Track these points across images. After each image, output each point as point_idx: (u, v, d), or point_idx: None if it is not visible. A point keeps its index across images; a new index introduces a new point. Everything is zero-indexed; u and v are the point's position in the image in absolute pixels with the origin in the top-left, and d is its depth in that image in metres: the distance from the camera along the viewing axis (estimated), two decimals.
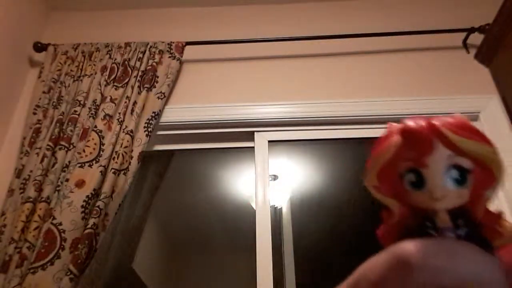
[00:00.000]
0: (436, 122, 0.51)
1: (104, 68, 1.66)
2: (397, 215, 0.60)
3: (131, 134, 1.49)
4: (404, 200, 0.59)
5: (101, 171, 1.39)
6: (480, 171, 0.50)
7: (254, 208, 1.57)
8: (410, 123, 0.53)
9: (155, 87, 1.63)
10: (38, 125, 1.53)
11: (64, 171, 1.42)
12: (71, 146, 1.47)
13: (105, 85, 1.62)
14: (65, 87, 1.63)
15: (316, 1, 2.01)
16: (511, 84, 1.58)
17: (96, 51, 1.73)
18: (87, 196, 1.34)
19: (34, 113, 1.57)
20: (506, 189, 1.49)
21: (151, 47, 1.72)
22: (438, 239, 0.50)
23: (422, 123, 0.52)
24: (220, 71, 1.82)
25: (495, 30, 1.60)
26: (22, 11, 1.80)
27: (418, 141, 0.51)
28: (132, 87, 1.61)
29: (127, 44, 1.73)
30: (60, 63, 1.69)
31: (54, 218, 1.29)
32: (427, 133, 0.51)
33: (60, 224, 1.28)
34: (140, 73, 1.64)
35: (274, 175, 2.14)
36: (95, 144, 1.46)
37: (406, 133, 0.54)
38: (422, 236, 0.51)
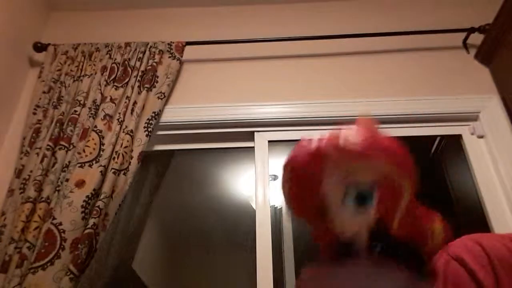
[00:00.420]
0: (325, 147, 0.46)
1: (104, 68, 1.66)
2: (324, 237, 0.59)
3: (131, 134, 1.49)
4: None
5: (101, 171, 1.39)
6: (385, 185, 0.46)
7: (254, 208, 1.57)
8: (295, 155, 0.49)
9: (155, 87, 1.63)
10: (38, 125, 1.53)
11: (64, 171, 1.42)
12: (71, 146, 1.47)
13: (105, 85, 1.62)
14: (65, 87, 1.63)
15: (316, 1, 2.01)
16: (511, 84, 1.58)
17: (96, 51, 1.73)
18: (87, 196, 1.34)
19: (34, 113, 1.57)
20: (506, 189, 1.49)
21: (151, 47, 1.72)
22: (329, 266, 0.48)
23: (307, 160, 0.47)
24: (220, 71, 1.82)
25: (495, 30, 1.60)
26: (22, 11, 1.80)
27: (305, 176, 0.48)
28: (132, 87, 1.61)
29: (127, 44, 1.73)
30: (60, 63, 1.69)
31: (54, 218, 1.29)
32: (308, 175, 0.47)
33: (60, 224, 1.28)
34: (140, 73, 1.64)
35: (274, 175, 2.14)
36: (95, 144, 1.46)
37: (291, 168, 0.51)
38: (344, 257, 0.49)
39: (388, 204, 0.47)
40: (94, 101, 1.57)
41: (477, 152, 1.62)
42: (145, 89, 1.59)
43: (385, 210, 0.47)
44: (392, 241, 0.49)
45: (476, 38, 1.73)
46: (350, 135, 0.48)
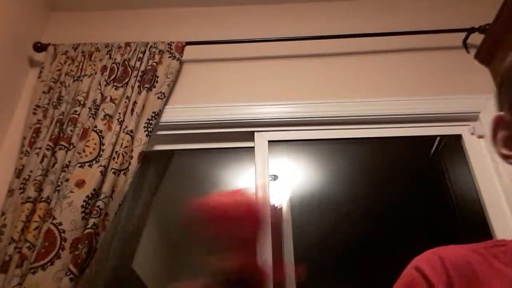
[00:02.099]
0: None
1: (104, 68, 1.66)
2: None
3: (131, 134, 1.49)
4: None
5: (101, 171, 1.39)
6: None
7: None
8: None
9: (155, 87, 1.63)
10: (38, 125, 1.53)
11: (64, 171, 1.42)
12: (71, 146, 1.47)
13: (105, 85, 1.62)
14: (65, 87, 1.63)
15: (316, 1, 2.01)
16: None
17: (96, 51, 1.73)
18: (87, 196, 1.34)
19: (34, 113, 1.57)
20: (506, 189, 1.49)
21: (151, 47, 1.72)
22: None
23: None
24: (220, 71, 1.82)
25: (495, 30, 1.60)
26: (22, 11, 1.80)
27: None
28: (132, 87, 1.61)
29: (127, 44, 1.73)
30: (60, 63, 1.69)
31: (54, 218, 1.29)
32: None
33: (60, 224, 1.28)
34: (140, 73, 1.64)
35: (274, 175, 2.14)
36: (95, 144, 1.46)
37: None
38: None
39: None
40: (94, 101, 1.57)
41: (477, 152, 1.62)
42: (145, 89, 1.59)
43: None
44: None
45: (476, 38, 1.73)
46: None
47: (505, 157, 0.57)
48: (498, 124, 0.58)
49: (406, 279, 0.66)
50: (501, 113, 0.58)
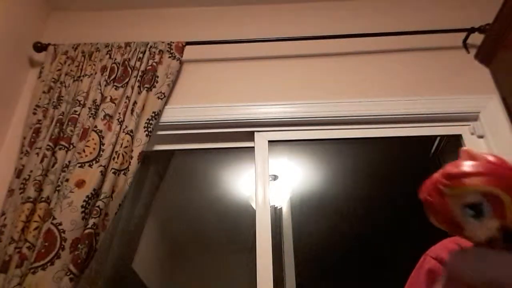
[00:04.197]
0: (433, 184, 0.62)
1: (104, 68, 1.66)
2: None
3: (131, 134, 1.49)
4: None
5: (101, 171, 1.38)
6: (491, 199, 0.58)
7: (254, 208, 1.57)
8: (423, 194, 0.64)
9: (155, 87, 1.63)
10: (38, 125, 1.53)
11: (64, 171, 1.42)
12: (71, 146, 1.47)
13: (105, 85, 1.62)
14: (65, 87, 1.63)
15: (316, 1, 2.01)
16: (511, 84, 1.58)
17: (96, 51, 1.73)
18: (87, 196, 1.34)
19: (34, 113, 1.57)
20: None
21: (151, 47, 1.72)
22: (476, 249, 0.62)
23: (428, 188, 0.63)
24: (220, 71, 1.82)
25: (495, 30, 1.60)
26: (22, 11, 1.80)
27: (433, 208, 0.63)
28: (132, 87, 1.61)
29: (127, 44, 1.73)
30: (60, 63, 1.69)
31: (54, 218, 1.29)
32: (433, 199, 0.61)
33: (60, 224, 1.28)
34: (140, 73, 1.64)
35: (274, 175, 2.14)
36: (95, 144, 1.46)
37: (422, 199, 0.65)
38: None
39: (500, 211, 0.59)
40: (94, 101, 1.57)
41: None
42: (145, 89, 1.59)
43: (501, 216, 0.59)
44: None
45: (476, 38, 1.73)
46: (453, 165, 0.63)
47: None
48: None
49: (426, 268, 0.67)
50: None
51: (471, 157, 0.63)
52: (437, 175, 0.65)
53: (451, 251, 0.64)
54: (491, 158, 0.62)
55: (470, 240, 0.64)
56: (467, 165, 0.60)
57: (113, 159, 1.43)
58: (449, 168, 0.63)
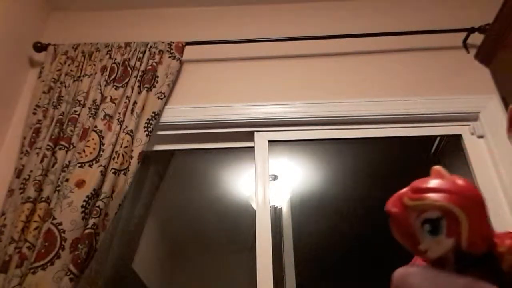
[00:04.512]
0: (399, 196, 0.64)
1: (104, 68, 1.66)
2: None
3: (131, 134, 1.49)
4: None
5: (101, 171, 1.39)
6: (448, 217, 0.59)
7: (254, 208, 1.57)
8: (388, 206, 0.67)
9: (155, 87, 1.63)
10: (38, 125, 1.53)
11: (64, 171, 1.42)
12: (71, 146, 1.47)
13: (105, 85, 1.62)
14: (65, 87, 1.63)
15: (316, 1, 2.01)
16: (511, 84, 1.58)
17: (96, 51, 1.73)
18: (87, 196, 1.34)
19: (34, 113, 1.57)
20: (506, 189, 1.49)
21: (151, 47, 1.72)
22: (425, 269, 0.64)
23: (393, 200, 0.65)
24: (220, 71, 1.82)
25: (495, 30, 1.60)
26: (22, 11, 1.80)
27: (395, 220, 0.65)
28: (132, 87, 1.61)
29: (127, 44, 1.73)
30: (60, 63, 1.69)
31: (54, 218, 1.29)
32: (397, 211, 0.63)
33: (60, 224, 1.28)
34: (140, 73, 1.64)
35: (274, 175, 2.14)
36: (95, 144, 1.46)
37: (386, 212, 0.68)
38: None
39: (455, 231, 0.61)
40: (94, 101, 1.57)
41: (477, 152, 1.62)
42: (145, 89, 1.59)
43: (456, 236, 0.61)
44: (474, 259, 0.62)
45: (476, 38, 1.73)
46: (421, 181, 0.65)
47: None
48: None
49: (392, 278, 0.70)
50: None
51: (441, 176, 0.65)
52: (404, 189, 0.68)
53: (399, 269, 0.66)
54: (458, 181, 0.64)
55: (423, 256, 0.66)
56: (433, 182, 0.62)
57: (113, 159, 1.43)
58: (417, 182, 0.66)
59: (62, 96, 1.60)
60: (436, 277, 0.62)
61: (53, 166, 1.42)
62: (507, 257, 0.61)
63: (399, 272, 0.66)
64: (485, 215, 0.64)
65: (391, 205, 0.66)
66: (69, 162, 1.44)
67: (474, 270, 0.61)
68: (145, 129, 1.53)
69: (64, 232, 1.27)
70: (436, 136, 1.78)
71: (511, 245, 0.61)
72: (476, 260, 0.62)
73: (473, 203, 0.61)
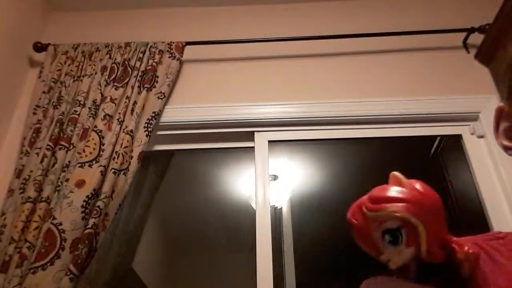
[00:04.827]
0: (359, 206, 0.64)
1: (104, 68, 1.66)
2: None
3: (131, 134, 1.49)
4: None
5: (101, 171, 1.39)
6: (407, 227, 0.60)
7: (254, 208, 1.57)
8: (349, 216, 0.66)
9: (155, 87, 1.63)
10: (38, 125, 1.53)
11: (64, 171, 1.42)
12: (71, 146, 1.47)
13: (105, 85, 1.62)
14: (65, 87, 1.63)
15: (316, 1, 2.01)
16: None
17: (96, 51, 1.73)
18: (87, 196, 1.34)
19: (34, 113, 1.57)
20: (506, 189, 1.49)
21: (151, 47, 1.72)
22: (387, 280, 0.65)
23: (353, 209, 0.65)
24: (220, 71, 1.82)
25: (495, 30, 1.60)
26: (22, 11, 1.80)
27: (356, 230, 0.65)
28: (132, 87, 1.61)
29: (127, 44, 1.73)
30: (60, 63, 1.69)
31: (54, 218, 1.29)
32: (357, 221, 0.64)
33: (60, 224, 1.28)
34: (140, 73, 1.64)
35: (274, 175, 2.14)
36: (95, 144, 1.46)
37: (347, 220, 0.68)
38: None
39: (414, 240, 0.61)
40: (94, 101, 1.57)
41: (477, 152, 1.62)
42: (145, 89, 1.59)
43: (415, 245, 0.61)
44: (434, 268, 0.62)
45: (476, 38, 1.73)
46: (379, 189, 0.65)
47: (507, 149, 0.56)
48: (499, 115, 0.57)
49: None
50: (501, 104, 0.57)
51: (399, 183, 0.65)
52: (364, 197, 0.68)
53: (367, 280, 0.67)
54: (417, 186, 0.64)
55: (387, 265, 0.66)
56: (391, 190, 0.61)
57: (113, 159, 1.43)
58: (375, 191, 0.66)
59: (62, 96, 1.60)
60: (397, 287, 0.63)
61: (53, 166, 1.42)
62: (465, 264, 0.61)
63: (364, 283, 0.67)
64: (443, 222, 0.64)
65: (351, 215, 0.66)
66: (69, 162, 1.44)
67: (436, 279, 0.61)
68: (145, 129, 1.53)
69: (64, 232, 1.27)
70: (436, 136, 1.78)
71: (468, 252, 0.61)
72: (437, 268, 0.62)
73: (430, 212, 0.61)
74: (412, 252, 0.61)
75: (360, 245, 0.68)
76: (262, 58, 1.84)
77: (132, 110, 1.56)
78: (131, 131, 1.49)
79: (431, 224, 0.61)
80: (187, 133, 1.71)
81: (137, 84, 1.62)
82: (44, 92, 1.61)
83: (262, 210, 1.54)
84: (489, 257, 0.61)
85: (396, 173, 0.66)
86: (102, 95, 1.59)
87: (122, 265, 1.94)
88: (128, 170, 1.44)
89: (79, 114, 1.54)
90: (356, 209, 0.66)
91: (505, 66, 0.57)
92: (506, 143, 0.56)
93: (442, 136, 1.76)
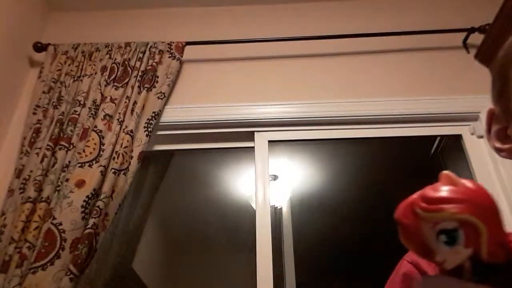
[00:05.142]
0: (410, 205, 0.60)
1: (104, 68, 1.66)
2: None
3: (131, 134, 1.49)
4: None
5: (101, 171, 1.39)
6: (465, 226, 0.58)
7: (254, 208, 1.57)
8: (399, 216, 0.63)
9: (155, 87, 1.63)
10: (38, 125, 1.53)
11: (64, 171, 1.42)
12: (71, 146, 1.47)
13: (105, 85, 1.62)
14: (65, 87, 1.63)
15: (316, 1, 2.01)
16: None
17: (96, 51, 1.73)
18: (87, 196, 1.34)
19: (34, 113, 1.57)
20: (506, 189, 1.49)
21: (151, 47, 1.72)
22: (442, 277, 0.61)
23: (403, 209, 0.61)
24: (220, 71, 1.82)
25: (495, 30, 1.60)
26: (22, 11, 1.80)
27: (406, 230, 0.62)
28: (132, 87, 1.61)
29: (127, 44, 1.73)
30: (60, 63, 1.69)
31: (54, 218, 1.29)
32: (408, 221, 0.60)
33: (60, 224, 1.28)
34: (140, 73, 1.64)
35: (274, 175, 2.14)
36: (95, 144, 1.46)
37: (396, 220, 0.65)
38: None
39: (473, 241, 0.59)
40: (94, 101, 1.57)
41: (477, 152, 1.62)
42: (145, 89, 1.59)
43: (474, 246, 0.59)
44: (491, 269, 0.59)
45: (476, 38, 1.73)
46: (432, 189, 0.62)
47: (498, 151, 0.57)
48: (491, 118, 0.58)
49: (401, 272, 0.68)
50: (492, 107, 0.58)
51: (451, 182, 0.63)
52: (415, 196, 0.66)
53: (418, 278, 0.65)
54: (470, 185, 0.63)
55: (439, 267, 0.64)
56: (446, 190, 0.60)
57: (113, 159, 1.43)
58: (428, 191, 0.64)
59: (62, 96, 1.60)
60: (461, 286, 0.61)
61: (53, 166, 1.42)
62: None
63: (422, 278, 0.66)
64: (501, 222, 0.63)
65: (402, 215, 0.65)
66: (69, 162, 1.44)
67: (495, 279, 0.60)
68: (145, 129, 1.53)
69: (64, 232, 1.27)
70: (436, 136, 1.78)
71: None
72: (494, 268, 0.61)
73: (489, 211, 0.60)
74: (470, 253, 0.60)
75: (408, 244, 0.67)
76: (262, 58, 1.84)
77: (132, 110, 1.56)
78: (131, 131, 1.49)
79: (491, 224, 0.60)
80: (187, 133, 1.71)
81: (137, 84, 1.62)
82: (44, 92, 1.61)
83: (262, 210, 1.54)
84: None
85: (447, 172, 0.65)
86: (102, 95, 1.59)
87: (122, 265, 1.94)
88: (128, 170, 1.44)
89: (79, 114, 1.54)
90: (406, 208, 0.65)
91: (496, 69, 0.57)
92: (498, 145, 0.57)
93: (442, 136, 1.76)
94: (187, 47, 1.76)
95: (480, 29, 1.71)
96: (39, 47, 1.77)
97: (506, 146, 0.58)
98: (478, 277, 0.60)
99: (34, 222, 1.30)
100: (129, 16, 2.01)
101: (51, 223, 1.28)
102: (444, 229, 0.60)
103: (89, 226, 1.29)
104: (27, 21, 1.84)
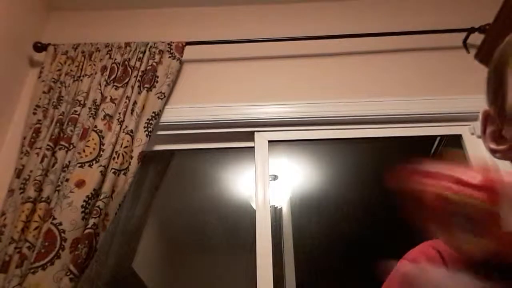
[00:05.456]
0: (440, 188, 0.58)
1: (104, 68, 1.66)
2: None
3: (131, 134, 1.49)
4: None
5: (101, 171, 1.39)
6: (495, 216, 0.56)
7: (254, 208, 1.57)
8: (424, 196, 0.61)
9: (155, 87, 1.63)
10: (38, 125, 1.53)
11: (64, 171, 1.42)
12: (71, 146, 1.47)
13: (105, 85, 1.62)
14: (65, 87, 1.63)
15: (316, 1, 2.01)
16: None
17: (96, 51, 1.73)
18: (87, 196, 1.34)
19: (34, 113, 1.57)
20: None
21: (151, 47, 1.72)
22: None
23: (431, 191, 0.59)
24: (220, 71, 1.82)
25: (495, 30, 1.60)
26: (22, 11, 1.80)
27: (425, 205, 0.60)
28: (132, 87, 1.61)
29: (127, 44, 1.73)
30: (60, 63, 1.69)
31: (54, 218, 1.29)
32: (433, 203, 0.59)
33: (60, 224, 1.28)
34: (140, 73, 1.64)
35: (274, 175, 2.14)
36: (95, 144, 1.46)
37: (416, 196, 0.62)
38: None
39: (488, 230, 0.58)
40: (94, 101, 1.57)
41: (477, 152, 1.62)
42: (145, 89, 1.59)
43: (497, 238, 0.58)
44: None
45: (476, 38, 1.73)
46: (467, 174, 0.60)
47: (493, 152, 0.57)
48: (486, 119, 0.58)
49: (401, 272, 0.67)
50: (487, 108, 0.58)
51: (483, 170, 0.61)
52: (445, 180, 0.63)
53: (435, 270, 0.63)
54: (504, 177, 0.61)
55: (455, 250, 0.62)
56: (479, 178, 0.58)
57: (113, 159, 1.43)
58: (462, 175, 0.61)
59: (62, 96, 1.60)
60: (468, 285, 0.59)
61: (53, 166, 1.42)
62: None
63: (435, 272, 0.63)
64: None
65: (430, 196, 0.62)
66: (69, 162, 1.44)
67: None
68: (145, 129, 1.53)
69: (64, 232, 1.27)
70: (436, 136, 1.78)
71: None
72: None
73: None
74: (493, 245, 0.59)
75: (431, 227, 0.64)
76: (262, 58, 1.84)
77: (132, 110, 1.56)
78: (131, 131, 1.49)
79: None
80: (187, 133, 1.71)
81: (137, 84, 1.62)
82: (44, 92, 1.61)
83: (262, 210, 1.54)
84: None
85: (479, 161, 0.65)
86: (102, 95, 1.59)
87: (122, 265, 1.94)
88: (128, 170, 1.44)
89: (79, 114, 1.54)
90: (436, 190, 0.62)
91: (490, 70, 0.57)
92: (493, 146, 0.56)
93: (442, 136, 1.76)
94: (187, 47, 1.76)
95: (480, 29, 1.71)
96: (39, 47, 1.77)
97: (500, 147, 0.58)
98: (499, 273, 0.58)
99: (34, 222, 1.30)
100: (129, 16, 2.01)
101: (51, 223, 1.28)
102: (471, 217, 0.58)
103: (89, 226, 1.29)
104: (27, 21, 1.84)
